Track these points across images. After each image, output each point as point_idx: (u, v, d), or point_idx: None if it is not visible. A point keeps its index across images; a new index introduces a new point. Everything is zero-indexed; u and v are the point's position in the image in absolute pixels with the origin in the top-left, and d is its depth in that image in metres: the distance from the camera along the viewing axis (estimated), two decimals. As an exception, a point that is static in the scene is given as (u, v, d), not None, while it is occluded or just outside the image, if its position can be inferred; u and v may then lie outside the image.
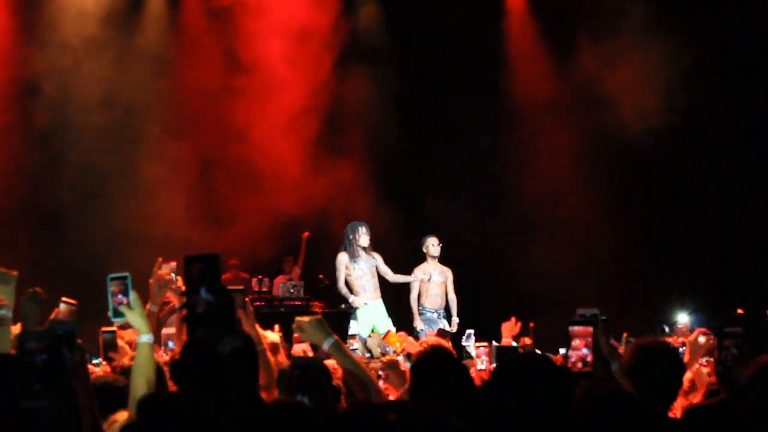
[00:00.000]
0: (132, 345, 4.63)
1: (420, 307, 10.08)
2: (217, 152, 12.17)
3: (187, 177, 12.08)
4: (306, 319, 3.54)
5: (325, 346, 3.45)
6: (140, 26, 12.45)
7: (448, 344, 5.11)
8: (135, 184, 11.75)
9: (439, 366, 3.20)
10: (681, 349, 4.68)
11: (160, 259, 4.74)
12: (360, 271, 9.74)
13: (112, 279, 3.28)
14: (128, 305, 3.22)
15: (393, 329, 9.02)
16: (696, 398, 4.27)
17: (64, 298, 4.50)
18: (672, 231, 12.13)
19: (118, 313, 3.26)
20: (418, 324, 9.96)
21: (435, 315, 10.07)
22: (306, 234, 11.85)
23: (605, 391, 2.77)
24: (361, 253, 9.68)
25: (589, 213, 12.08)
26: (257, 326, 4.12)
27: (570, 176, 12.36)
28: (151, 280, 4.63)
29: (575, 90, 12.57)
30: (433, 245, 10.05)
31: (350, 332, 9.31)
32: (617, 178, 12.32)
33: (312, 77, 12.18)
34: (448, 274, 10.24)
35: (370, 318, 9.60)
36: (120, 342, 5.04)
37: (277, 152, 11.90)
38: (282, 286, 11.09)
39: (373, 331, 9.42)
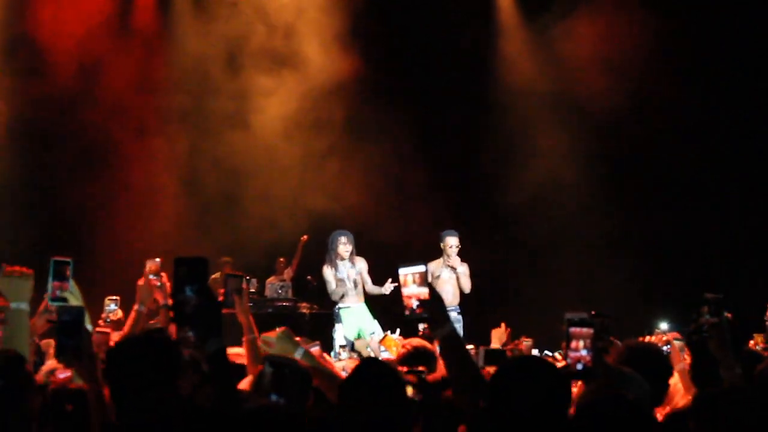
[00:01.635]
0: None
1: None
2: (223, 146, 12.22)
3: (193, 173, 12.18)
4: (272, 334, 3.63)
5: (297, 356, 3.54)
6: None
7: (432, 346, 5.05)
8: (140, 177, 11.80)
9: (370, 382, 3.10)
10: (666, 347, 4.68)
11: (147, 261, 4.67)
12: (341, 276, 9.60)
13: (57, 262, 3.26)
14: (69, 291, 3.27)
15: (379, 330, 8.95)
16: (682, 402, 4.23)
17: None
18: (672, 229, 12.10)
19: (57, 298, 3.26)
20: None
21: (455, 313, 9.77)
22: (304, 238, 11.70)
23: (607, 395, 2.73)
24: (343, 260, 9.54)
25: (587, 212, 12.09)
26: (251, 317, 4.17)
27: (565, 170, 12.35)
28: (140, 281, 4.54)
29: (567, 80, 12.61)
30: (451, 246, 9.76)
31: (335, 337, 9.22)
32: (613, 171, 12.34)
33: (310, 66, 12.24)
34: (463, 268, 9.89)
35: (354, 321, 9.51)
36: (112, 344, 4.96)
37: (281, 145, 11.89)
38: (270, 286, 11.06)
39: (359, 336, 9.35)
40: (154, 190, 12.01)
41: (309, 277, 11.25)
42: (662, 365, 3.74)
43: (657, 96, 11.95)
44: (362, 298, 9.64)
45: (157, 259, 4.66)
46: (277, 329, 3.66)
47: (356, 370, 3.17)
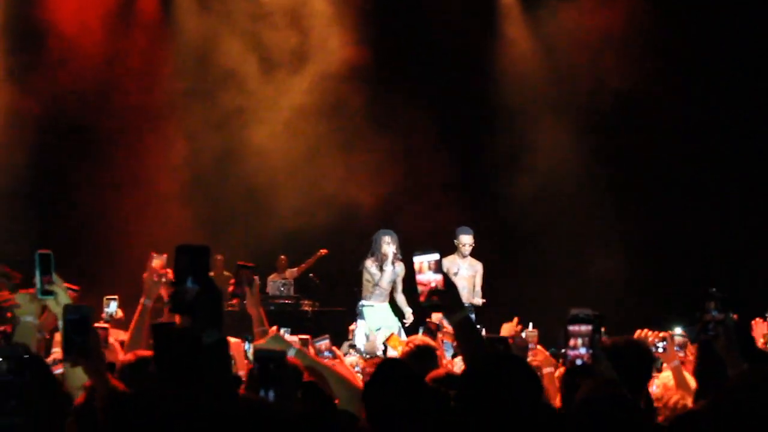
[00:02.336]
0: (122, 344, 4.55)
1: None
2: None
3: (203, 168, 12.23)
4: (262, 341, 3.68)
5: (291, 353, 3.56)
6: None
7: (435, 343, 5.05)
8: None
9: (392, 385, 3.14)
10: (662, 344, 4.67)
11: (153, 253, 4.66)
12: (380, 278, 9.53)
13: (42, 256, 3.28)
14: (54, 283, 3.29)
15: (399, 328, 8.92)
16: (674, 398, 4.23)
17: (66, 284, 4.44)
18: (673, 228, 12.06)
19: (46, 291, 3.27)
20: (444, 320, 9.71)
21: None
22: (323, 251, 11.57)
23: (606, 393, 2.73)
24: (387, 261, 9.42)
25: (589, 211, 12.05)
26: (262, 309, 4.18)
27: (564, 168, 12.34)
28: (145, 275, 4.54)
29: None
30: (464, 245, 9.70)
31: (356, 333, 9.14)
32: (614, 170, 12.32)
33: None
34: (478, 267, 9.91)
35: (377, 318, 9.48)
36: (111, 339, 4.97)
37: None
38: (272, 284, 11.05)
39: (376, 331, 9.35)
40: (163, 185, 12.03)
41: (312, 275, 11.26)
42: (642, 363, 3.71)
43: (657, 95, 11.93)
44: (387, 299, 9.61)
45: (163, 256, 4.67)
46: (266, 336, 3.70)
47: (377, 373, 3.20)
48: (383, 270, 9.41)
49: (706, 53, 11.77)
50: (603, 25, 12.01)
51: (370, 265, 9.47)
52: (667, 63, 11.89)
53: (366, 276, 9.52)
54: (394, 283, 9.54)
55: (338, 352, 5.25)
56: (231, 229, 12.02)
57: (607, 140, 12.24)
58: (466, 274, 9.80)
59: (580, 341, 2.94)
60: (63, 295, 3.30)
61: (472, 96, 12.77)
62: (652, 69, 11.92)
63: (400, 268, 9.49)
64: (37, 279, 3.26)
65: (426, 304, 2.87)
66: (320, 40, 12.34)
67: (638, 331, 4.66)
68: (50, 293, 3.27)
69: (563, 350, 3.17)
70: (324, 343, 5.05)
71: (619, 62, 11.91)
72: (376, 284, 9.44)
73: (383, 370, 3.21)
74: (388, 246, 9.34)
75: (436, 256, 2.90)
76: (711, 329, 3.35)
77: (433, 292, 2.91)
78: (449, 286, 2.93)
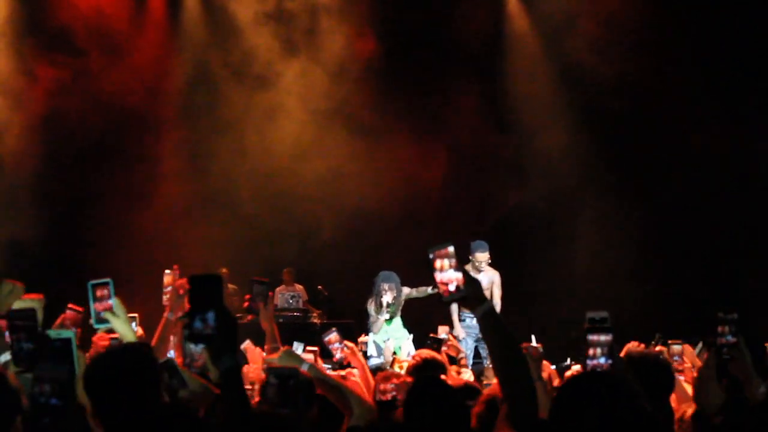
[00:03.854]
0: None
1: (460, 313, 9.80)
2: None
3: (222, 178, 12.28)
4: (274, 356, 3.71)
5: (304, 368, 3.58)
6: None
7: (441, 356, 5.04)
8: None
9: (428, 398, 3.23)
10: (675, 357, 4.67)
11: (165, 271, 4.69)
12: (381, 316, 9.37)
13: (94, 285, 3.34)
14: (111, 311, 3.33)
15: (408, 338, 8.90)
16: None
17: (71, 305, 4.46)
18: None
19: (101, 320, 3.34)
20: (459, 332, 9.63)
21: (474, 321, 9.63)
22: (321, 287, 11.55)
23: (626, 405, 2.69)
24: (382, 310, 9.23)
25: (594, 213, 12.05)
26: (275, 325, 4.21)
27: (566, 172, 12.32)
28: (168, 291, 4.52)
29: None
30: (480, 263, 9.54)
31: (367, 343, 9.11)
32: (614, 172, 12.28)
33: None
34: (495, 278, 9.81)
35: (386, 330, 9.44)
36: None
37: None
38: (281, 296, 11.01)
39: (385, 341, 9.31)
40: (183, 200, 12.09)
41: (320, 287, 11.24)
42: (664, 376, 3.69)
43: (659, 93, 11.94)
44: (399, 314, 9.52)
45: (174, 271, 4.70)
46: (278, 352, 3.73)
47: (417, 391, 3.24)
48: (378, 317, 9.37)
49: (709, 53, 11.75)
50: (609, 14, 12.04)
51: (369, 305, 9.40)
52: (667, 62, 11.88)
53: (370, 313, 9.46)
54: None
55: (350, 344, 5.20)
56: (265, 237, 12.02)
57: (608, 140, 12.24)
58: (484, 285, 9.67)
59: (599, 350, 2.93)
60: (118, 323, 3.35)
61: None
62: (653, 68, 11.93)
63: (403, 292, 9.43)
64: (92, 309, 3.33)
65: (448, 299, 2.81)
66: (333, 34, 12.36)
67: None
68: (105, 321, 3.33)
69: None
70: (332, 336, 5.04)
71: (621, 58, 11.92)
72: (372, 323, 9.41)
73: (423, 388, 3.25)
74: (385, 294, 9.21)
75: (450, 249, 2.81)
76: (725, 353, 3.34)
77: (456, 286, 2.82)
78: (470, 280, 2.87)
